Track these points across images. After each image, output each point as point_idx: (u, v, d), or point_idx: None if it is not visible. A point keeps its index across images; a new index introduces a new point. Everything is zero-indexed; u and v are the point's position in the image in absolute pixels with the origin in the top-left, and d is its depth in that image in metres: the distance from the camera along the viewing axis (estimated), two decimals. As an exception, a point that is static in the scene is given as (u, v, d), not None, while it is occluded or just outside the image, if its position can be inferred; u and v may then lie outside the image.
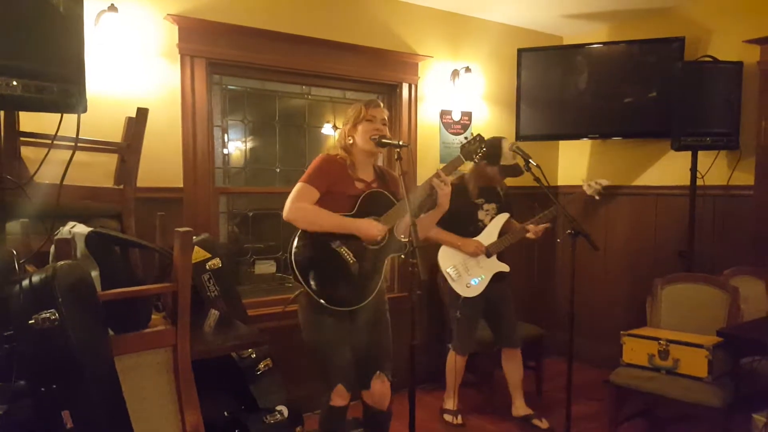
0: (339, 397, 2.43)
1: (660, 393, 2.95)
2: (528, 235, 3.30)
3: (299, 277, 2.36)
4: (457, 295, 3.30)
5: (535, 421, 3.45)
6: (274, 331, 3.02)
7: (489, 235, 3.36)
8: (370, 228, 2.39)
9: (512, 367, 3.52)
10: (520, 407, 3.54)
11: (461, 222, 3.32)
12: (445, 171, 2.46)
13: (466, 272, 3.32)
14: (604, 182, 3.39)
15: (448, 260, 3.34)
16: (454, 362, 3.47)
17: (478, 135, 2.58)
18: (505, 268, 3.37)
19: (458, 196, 3.32)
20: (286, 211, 2.39)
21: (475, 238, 3.34)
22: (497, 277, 3.36)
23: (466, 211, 3.35)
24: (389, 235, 2.48)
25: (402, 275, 4.01)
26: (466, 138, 3.63)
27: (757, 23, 3.55)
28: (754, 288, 3.36)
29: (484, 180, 3.36)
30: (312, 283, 2.36)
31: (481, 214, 3.40)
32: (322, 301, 2.36)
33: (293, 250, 2.37)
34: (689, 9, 3.95)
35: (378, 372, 2.51)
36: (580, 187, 3.43)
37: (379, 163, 3.99)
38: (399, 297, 3.88)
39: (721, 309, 3.18)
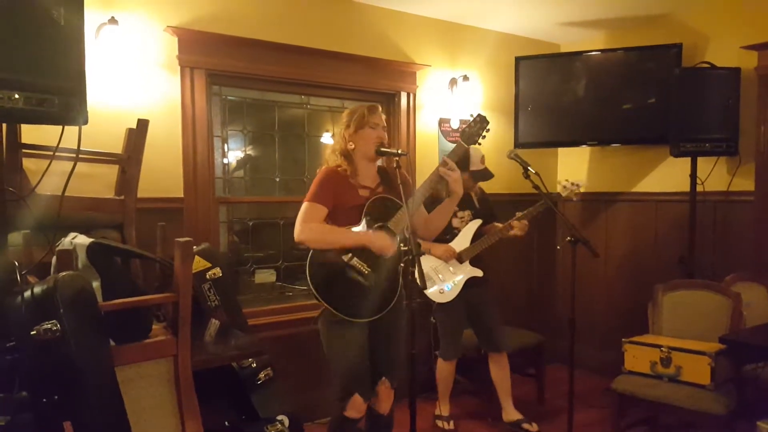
0: (354, 409, 2.43)
1: (662, 400, 2.93)
2: (513, 232, 3.28)
3: (318, 296, 2.34)
4: (432, 302, 3.35)
5: (525, 426, 3.45)
6: (274, 340, 3.02)
7: (461, 240, 3.38)
8: (380, 240, 2.37)
9: (498, 373, 3.52)
10: (510, 412, 3.54)
11: None
12: (450, 157, 2.46)
13: (439, 278, 3.34)
14: (581, 182, 3.31)
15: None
16: (441, 368, 3.50)
17: (479, 115, 2.52)
18: (478, 273, 3.37)
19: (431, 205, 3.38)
20: (297, 233, 2.37)
21: (446, 244, 3.36)
22: (474, 283, 3.36)
23: None
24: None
25: (402, 284, 4.00)
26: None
27: (754, 29, 3.57)
28: (756, 294, 3.35)
29: None
30: (331, 299, 2.35)
31: (455, 222, 3.42)
32: (343, 315, 2.35)
33: (308, 270, 2.35)
34: (686, 15, 3.97)
35: (383, 378, 2.53)
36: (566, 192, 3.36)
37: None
38: (400, 305, 3.88)
39: (723, 315, 3.17)
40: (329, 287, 2.36)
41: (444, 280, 3.33)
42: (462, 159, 3.20)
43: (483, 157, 3.40)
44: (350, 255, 2.39)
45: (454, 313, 3.40)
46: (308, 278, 2.35)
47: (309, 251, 2.40)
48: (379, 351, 2.51)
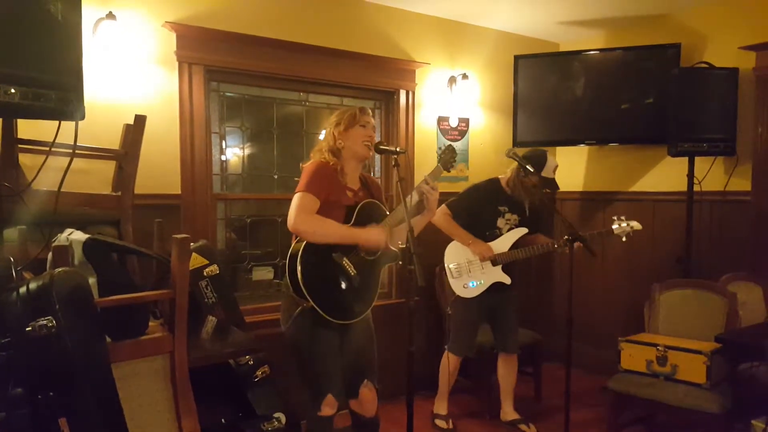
0: (328, 406, 2.39)
1: (658, 399, 2.95)
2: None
3: (305, 293, 2.27)
4: (452, 292, 3.35)
5: (522, 427, 3.46)
6: (271, 337, 3.00)
7: (501, 244, 3.35)
8: (377, 235, 2.36)
9: (506, 373, 3.54)
10: (508, 412, 3.56)
11: (480, 224, 3.34)
12: (431, 178, 2.47)
13: (468, 273, 3.33)
14: (638, 226, 3.21)
15: (455, 256, 3.36)
16: (447, 362, 3.47)
17: (449, 145, 2.63)
18: (506, 279, 3.34)
19: (488, 199, 3.38)
20: (294, 223, 2.30)
21: (487, 243, 3.34)
22: (500, 287, 3.35)
23: (488, 215, 3.37)
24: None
25: (400, 281, 4.01)
26: (440, 149, 3.96)
27: (752, 30, 3.57)
28: (752, 293, 3.36)
29: (520, 188, 3.33)
30: (318, 297, 2.28)
31: (500, 222, 3.39)
32: (327, 316, 2.28)
33: (298, 264, 2.26)
34: (685, 16, 3.98)
35: (365, 380, 2.50)
36: (611, 223, 3.25)
37: (377, 169, 4.04)
38: (397, 303, 3.88)
39: (719, 315, 3.18)
40: (318, 285, 2.30)
41: (471, 277, 3.33)
42: (539, 163, 3.23)
43: (556, 167, 3.37)
44: (339, 254, 2.36)
45: (471, 311, 3.39)
46: (298, 276, 2.26)
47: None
48: (357, 353, 2.48)
